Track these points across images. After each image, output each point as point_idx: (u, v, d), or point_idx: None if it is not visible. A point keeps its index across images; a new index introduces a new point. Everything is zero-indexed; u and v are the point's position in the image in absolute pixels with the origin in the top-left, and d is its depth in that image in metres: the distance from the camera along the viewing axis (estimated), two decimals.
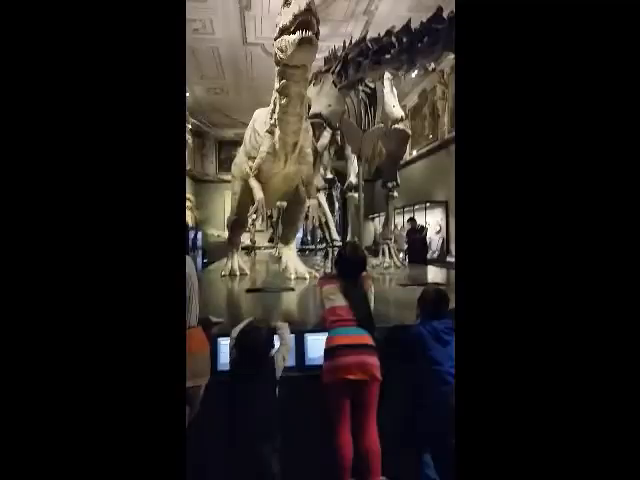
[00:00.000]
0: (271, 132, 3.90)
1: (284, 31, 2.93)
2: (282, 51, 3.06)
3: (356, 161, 6.23)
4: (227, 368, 1.93)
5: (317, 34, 2.85)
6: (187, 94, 11.22)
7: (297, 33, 2.77)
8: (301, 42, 2.80)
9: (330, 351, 1.93)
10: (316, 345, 2.17)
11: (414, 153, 10.79)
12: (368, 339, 1.94)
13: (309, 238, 10.94)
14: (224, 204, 13.33)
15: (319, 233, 9.42)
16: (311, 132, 4.37)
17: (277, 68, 3.38)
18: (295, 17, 2.74)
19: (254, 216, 4.00)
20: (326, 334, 2.03)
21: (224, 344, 2.07)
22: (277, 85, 3.50)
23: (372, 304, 2.17)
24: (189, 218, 12.36)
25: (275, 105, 3.70)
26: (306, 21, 2.73)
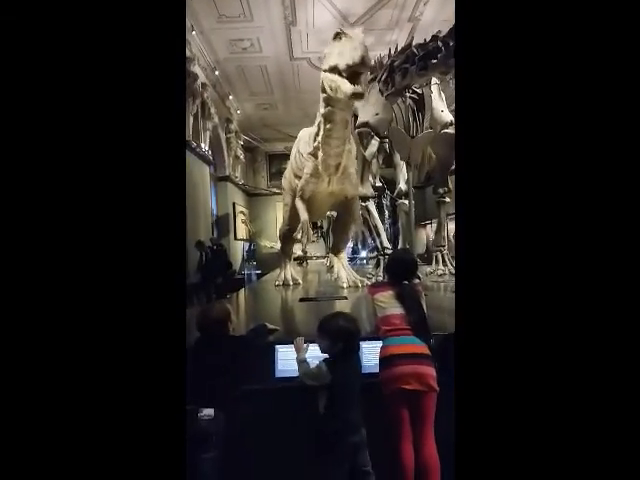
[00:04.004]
0: (314, 155, 3.99)
1: (334, 70, 2.99)
2: (332, 90, 3.14)
3: (405, 168, 6.18)
4: (285, 375, 1.98)
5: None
6: (238, 111, 11.67)
7: (350, 86, 2.86)
8: (353, 96, 2.90)
9: (385, 360, 1.91)
10: (371, 353, 2.17)
11: None
12: (424, 348, 1.90)
13: (359, 247, 10.94)
14: (276, 216, 13.64)
15: (369, 242, 9.40)
16: (354, 152, 4.42)
17: (323, 95, 3.43)
18: (349, 67, 2.82)
19: (299, 235, 4.12)
20: (378, 342, 2.02)
21: (282, 351, 2.13)
22: (322, 110, 3.57)
23: (425, 311, 2.13)
24: (244, 231, 12.75)
25: (319, 129, 3.78)
26: (359, 73, 2.84)
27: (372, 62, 2.95)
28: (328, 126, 3.60)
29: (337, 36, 3.04)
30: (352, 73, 2.85)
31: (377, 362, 1.97)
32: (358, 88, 2.86)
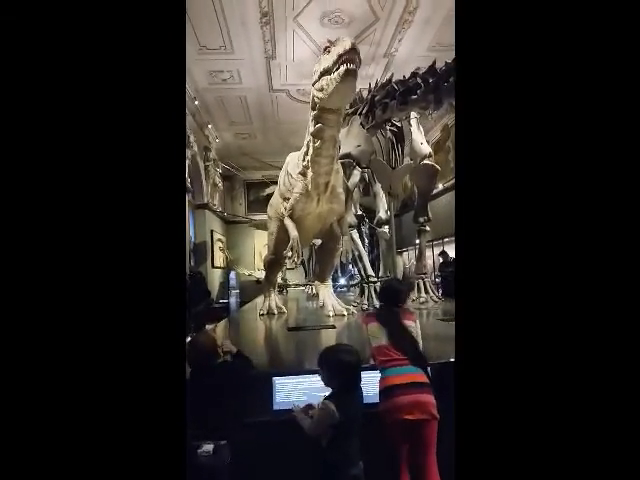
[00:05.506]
0: (303, 174, 4.04)
1: (325, 73, 3.04)
2: (321, 90, 3.15)
3: (384, 197, 6.32)
4: (283, 407, 1.96)
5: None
6: (217, 140, 11.75)
7: (342, 67, 2.85)
8: (347, 74, 2.86)
9: (386, 391, 1.91)
10: (368, 383, 2.17)
11: (440, 187, 10.84)
12: (422, 377, 1.93)
13: (339, 274, 10.97)
14: (254, 244, 13.58)
15: (348, 269, 9.47)
16: (342, 172, 4.50)
17: (312, 113, 3.52)
18: (340, 56, 2.84)
19: (290, 254, 4.10)
20: (376, 372, 2.03)
21: (279, 383, 2.12)
22: (311, 129, 3.63)
23: (420, 340, 2.15)
24: (221, 259, 12.60)
25: (308, 148, 3.84)
26: (351, 59, 2.83)
27: (360, 55, 2.90)
28: (317, 144, 3.66)
29: (326, 50, 3.08)
30: (345, 61, 2.84)
31: (375, 393, 1.98)
32: (350, 66, 2.84)
